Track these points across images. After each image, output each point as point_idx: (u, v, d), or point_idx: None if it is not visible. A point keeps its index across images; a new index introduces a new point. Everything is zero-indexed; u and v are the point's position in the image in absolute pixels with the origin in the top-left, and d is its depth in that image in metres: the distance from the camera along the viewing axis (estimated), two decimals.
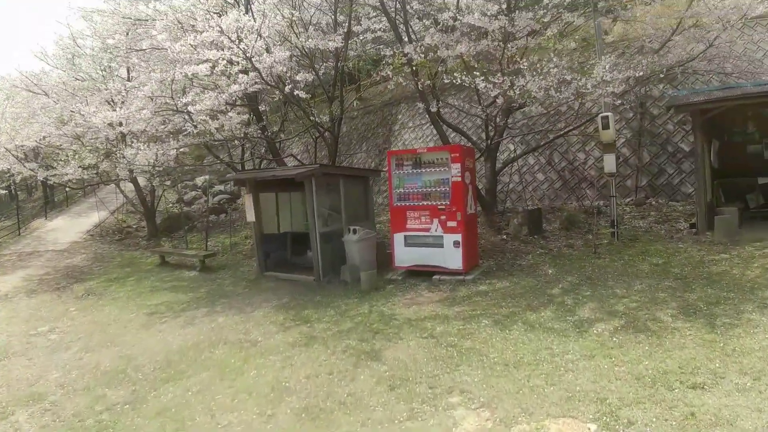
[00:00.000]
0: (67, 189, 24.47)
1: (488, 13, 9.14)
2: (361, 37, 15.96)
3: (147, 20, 13.60)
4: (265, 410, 5.28)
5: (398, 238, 9.58)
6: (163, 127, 14.71)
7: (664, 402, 4.53)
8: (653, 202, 13.43)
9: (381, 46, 19.49)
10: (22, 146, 17.92)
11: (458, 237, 8.99)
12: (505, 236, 11.53)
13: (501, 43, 8.82)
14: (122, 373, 6.83)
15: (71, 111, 14.94)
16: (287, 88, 11.06)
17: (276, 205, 12.01)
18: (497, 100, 9.71)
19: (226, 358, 7.03)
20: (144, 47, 13.25)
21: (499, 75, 8.54)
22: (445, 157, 9.08)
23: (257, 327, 8.22)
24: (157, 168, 20.03)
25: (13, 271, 14.92)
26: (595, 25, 10.54)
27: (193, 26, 10.81)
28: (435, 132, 14.75)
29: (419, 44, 8.82)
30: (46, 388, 6.49)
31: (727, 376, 4.89)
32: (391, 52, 11.82)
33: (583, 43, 13.69)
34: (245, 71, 10.42)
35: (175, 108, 11.91)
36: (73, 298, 11.58)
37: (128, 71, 16.67)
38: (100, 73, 16.99)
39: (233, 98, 11.65)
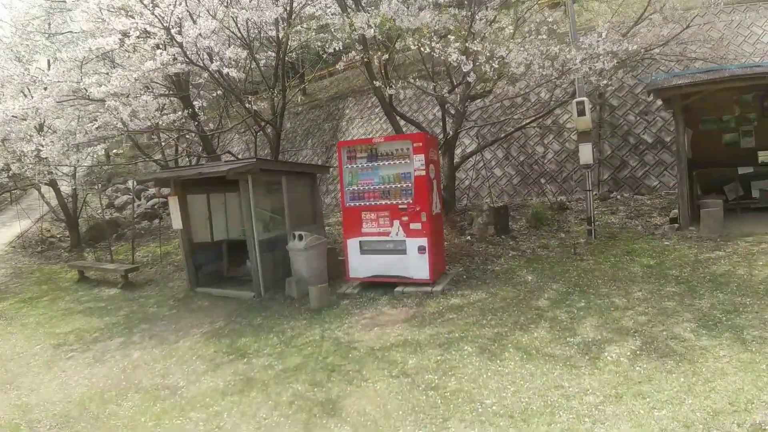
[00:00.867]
0: None
1: None
2: (305, 25, 14.16)
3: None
4: None
5: (353, 244, 7.82)
6: (91, 125, 12.36)
7: None
8: (618, 197, 12.29)
9: (326, 35, 17.72)
10: None
11: (424, 241, 7.33)
12: (469, 237, 9.99)
13: (469, 13, 7.20)
14: (15, 430, 5.14)
15: None
16: (214, 65, 9.05)
17: (208, 208, 9.98)
18: (467, 78, 8.10)
19: (136, 414, 5.14)
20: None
21: (477, 41, 6.91)
22: (406, 147, 7.40)
23: (180, 365, 6.29)
24: (78, 169, 17.48)
25: None
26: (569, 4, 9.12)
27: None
28: (385, 127, 13.14)
29: (372, 14, 7.11)
30: None
31: None
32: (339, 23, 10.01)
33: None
34: (163, 46, 8.37)
35: (85, 96, 9.70)
36: None
37: (48, 63, 14.31)
38: (16, 62, 14.44)
39: (148, 79, 9.51)
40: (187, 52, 8.64)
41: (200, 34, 8.32)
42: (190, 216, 9.63)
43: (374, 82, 9.31)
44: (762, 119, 10.35)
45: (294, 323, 7.12)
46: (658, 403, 4.00)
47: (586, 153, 9.07)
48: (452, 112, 10.54)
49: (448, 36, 7.18)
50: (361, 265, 7.80)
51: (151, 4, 7.57)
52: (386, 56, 8.72)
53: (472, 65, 7.09)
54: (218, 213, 10.05)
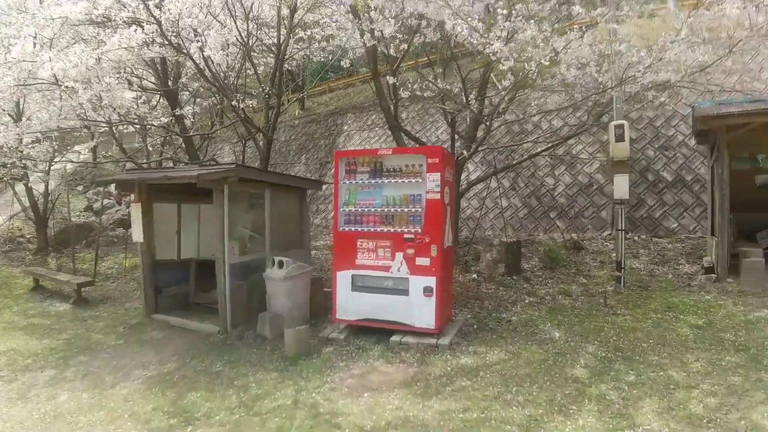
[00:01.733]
0: None
1: None
2: (308, 32, 12.71)
3: None
4: None
5: (343, 278, 6.12)
6: (48, 113, 10.66)
7: None
8: (636, 238, 10.79)
9: (328, 53, 16.25)
10: None
11: (431, 281, 5.67)
12: (475, 275, 8.36)
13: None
14: None
15: None
16: (194, 45, 7.43)
17: (178, 220, 8.27)
18: (504, 80, 6.55)
19: None
20: None
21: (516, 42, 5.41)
22: (418, 163, 5.78)
23: (106, 424, 4.55)
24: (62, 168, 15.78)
25: None
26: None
27: None
28: (386, 147, 11.59)
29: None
30: None
31: None
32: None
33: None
34: (139, 22, 6.76)
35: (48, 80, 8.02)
36: None
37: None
38: None
39: (119, 62, 7.87)
40: (168, 33, 7.03)
41: (183, 12, 6.69)
42: (156, 228, 7.89)
43: (383, 77, 7.74)
44: None
45: (262, 375, 5.38)
46: None
47: (622, 185, 7.55)
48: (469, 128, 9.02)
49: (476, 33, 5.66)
50: (351, 304, 6.09)
51: None
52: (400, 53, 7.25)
53: (513, 61, 5.55)
54: (189, 227, 8.33)
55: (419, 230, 5.71)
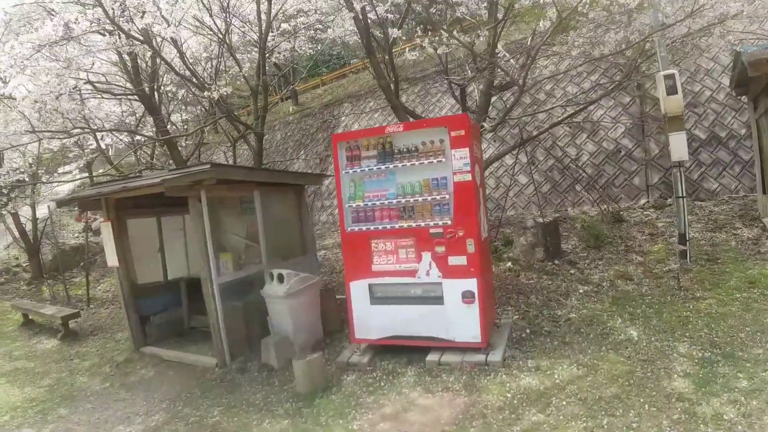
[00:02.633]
0: None
1: None
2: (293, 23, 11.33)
3: None
4: None
5: (359, 289, 4.78)
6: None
7: None
8: None
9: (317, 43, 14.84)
10: None
11: (472, 284, 4.33)
12: (510, 264, 7.01)
13: None
14: None
15: None
16: (167, 32, 6.10)
17: (159, 236, 6.97)
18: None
19: None
20: None
21: None
22: (438, 138, 4.41)
23: None
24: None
25: None
26: None
27: None
28: None
29: None
30: None
31: None
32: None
33: None
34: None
35: None
36: None
37: None
38: None
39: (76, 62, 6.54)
40: (116, 17, 5.69)
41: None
42: (133, 248, 6.60)
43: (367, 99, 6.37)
44: None
45: (269, 424, 4.08)
46: None
47: (679, 145, 6.14)
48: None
49: None
50: (372, 320, 4.76)
51: None
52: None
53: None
54: (174, 242, 7.01)
55: (449, 222, 4.35)
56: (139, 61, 10.48)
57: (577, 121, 10.58)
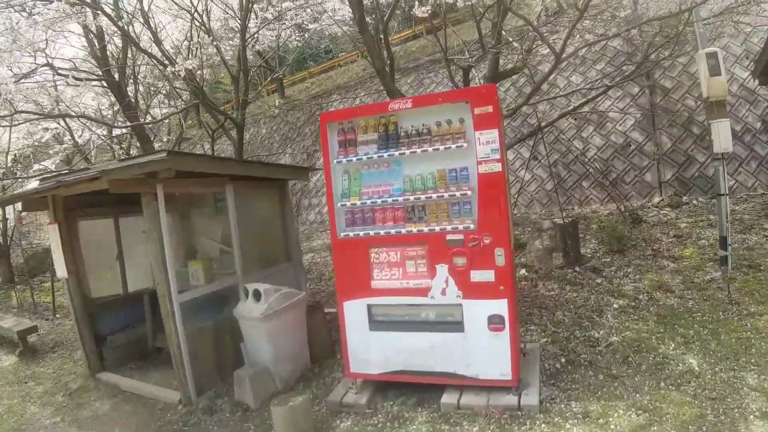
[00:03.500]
0: None
1: None
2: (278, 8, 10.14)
3: None
4: None
5: (354, 311, 3.63)
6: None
7: None
8: (695, 202, 8.42)
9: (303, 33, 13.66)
10: None
11: (501, 307, 3.22)
12: (525, 271, 5.94)
13: None
14: None
15: None
16: None
17: (118, 241, 5.77)
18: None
19: None
20: None
21: None
22: (458, 117, 3.27)
23: None
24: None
25: None
26: None
27: None
28: None
29: None
30: None
31: None
32: None
33: None
34: None
35: None
36: None
37: None
38: None
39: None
40: None
41: None
42: (86, 255, 5.40)
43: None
44: None
45: None
46: None
47: (724, 134, 5.09)
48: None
49: None
50: (371, 350, 3.63)
51: None
52: None
53: None
54: (136, 248, 5.80)
55: (471, 226, 3.24)
56: (111, 47, 9.26)
57: (583, 112, 9.55)
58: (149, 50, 7.68)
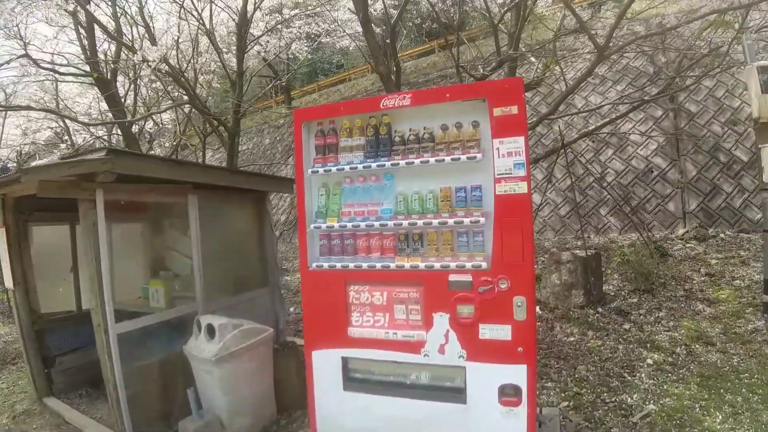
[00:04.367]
0: None
1: None
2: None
3: None
4: None
5: (325, 363, 2.70)
6: None
7: None
8: (722, 235, 7.47)
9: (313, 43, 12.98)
10: None
11: (518, 374, 2.30)
12: (539, 310, 5.01)
13: None
14: None
15: None
16: None
17: (73, 250, 4.92)
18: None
19: None
20: None
21: None
22: (470, 120, 2.39)
23: None
24: None
25: None
26: None
27: None
28: None
29: None
30: None
31: None
32: None
33: None
34: None
35: None
36: None
37: None
38: None
39: None
40: None
41: None
42: (37, 265, 4.57)
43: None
44: None
45: None
46: None
47: None
48: None
49: None
50: (346, 413, 2.70)
51: None
52: None
53: None
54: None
55: (483, 264, 2.34)
56: (106, 45, 8.56)
57: (604, 133, 8.67)
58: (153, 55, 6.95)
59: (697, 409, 3.21)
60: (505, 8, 5.68)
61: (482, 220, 2.36)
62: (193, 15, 7.53)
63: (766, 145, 4.40)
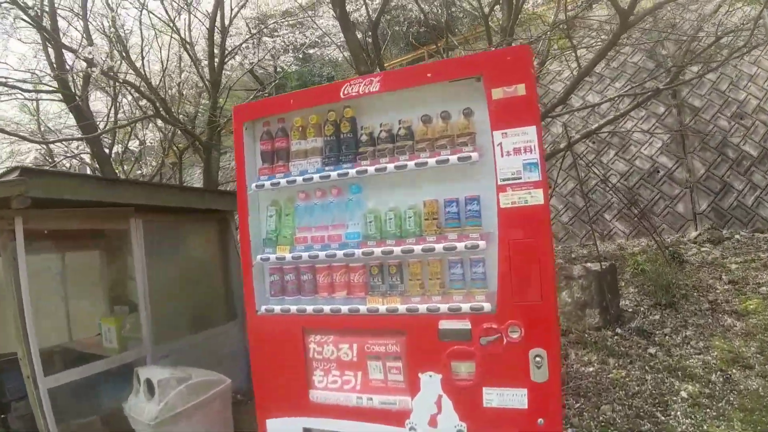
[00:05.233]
0: None
1: None
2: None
3: None
4: None
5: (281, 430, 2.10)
6: None
7: None
8: (738, 236, 6.76)
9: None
10: None
11: None
12: None
13: None
14: None
15: None
16: None
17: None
18: None
19: None
20: None
21: None
22: (460, 108, 1.72)
23: None
24: None
25: None
26: None
27: None
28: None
29: None
30: None
31: None
32: None
33: None
34: None
35: None
36: None
37: None
38: None
39: None
40: None
41: None
42: None
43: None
44: None
45: None
46: None
47: None
48: None
49: None
50: None
51: None
52: None
53: None
54: (47, 293, 4.25)
55: (486, 306, 1.64)
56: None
57: (605, 132, 7.99)
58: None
59: None
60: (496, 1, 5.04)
61: (482, 243, 1.66)
62: (169, 26, 6.93)
63: None
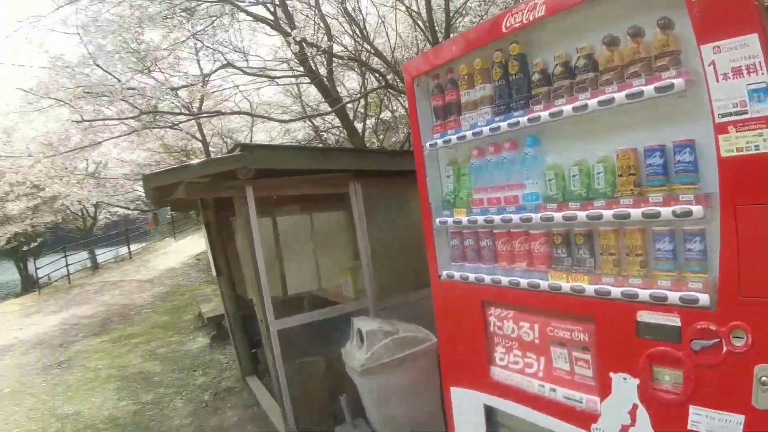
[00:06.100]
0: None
1: None
2: None
3: None
4: None
5: (466, 405, 2.09)
6: None
7: None
8: None
9: None
10: None
11: None
12: None
13: None
14: None
15: None
16: None
17: (276, 241, 5.38)
18: None
19: None
20: None
21: None
22: (653, 19, 1.31)
23: None
24: None
25: (68, 308, 10.93)
26: None
27: None
28: None
29: None
30: None
31: None
32: None
33: None
34: None
35: None
36: (38, 368, 6.93)
37: None
38: None
39: None
40: None
41: None
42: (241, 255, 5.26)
43: None
44: None
45: None
46: None
47: None
48: None
49: None
50: None
51: None
52: None
53: None
54: (295, 248, 5.32)
55: (702, 297, 1.30)
56: None
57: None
58: None
59: None
60: None
61: (697, 209, 1.30)
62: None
63: None
